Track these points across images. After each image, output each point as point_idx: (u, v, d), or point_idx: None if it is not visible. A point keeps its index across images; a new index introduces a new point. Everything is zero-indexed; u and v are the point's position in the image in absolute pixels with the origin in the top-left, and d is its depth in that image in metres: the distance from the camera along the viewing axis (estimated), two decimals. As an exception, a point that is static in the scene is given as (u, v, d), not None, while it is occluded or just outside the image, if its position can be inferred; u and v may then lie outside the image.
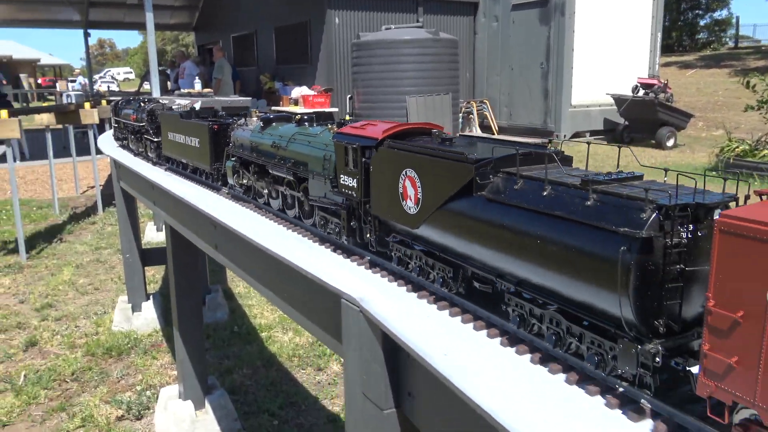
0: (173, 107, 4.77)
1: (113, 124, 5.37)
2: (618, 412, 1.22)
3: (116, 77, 54.76)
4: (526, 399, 1.27)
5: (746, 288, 0.95)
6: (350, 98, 17.20)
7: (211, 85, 16.02)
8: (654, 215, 1.18)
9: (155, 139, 3.98)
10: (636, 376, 1.22)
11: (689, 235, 1.19)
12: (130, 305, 6.02)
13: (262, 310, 6.16)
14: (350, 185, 2.11)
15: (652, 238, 1.16)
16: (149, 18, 13.53)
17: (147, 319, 6.06)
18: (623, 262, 1.17)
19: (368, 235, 2.12)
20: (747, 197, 1.14)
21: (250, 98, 12.90)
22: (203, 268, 6.43)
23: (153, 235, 8.72)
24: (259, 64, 20.47)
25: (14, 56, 44.10)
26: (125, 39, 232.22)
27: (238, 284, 7.56)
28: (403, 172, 1.86)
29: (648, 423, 1.17)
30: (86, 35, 23.36)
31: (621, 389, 1.28)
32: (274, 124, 2.78)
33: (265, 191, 2.73)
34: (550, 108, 16.13)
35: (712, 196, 1.24)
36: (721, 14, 34.88)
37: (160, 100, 4.93)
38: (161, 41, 76.44)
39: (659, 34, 17.56)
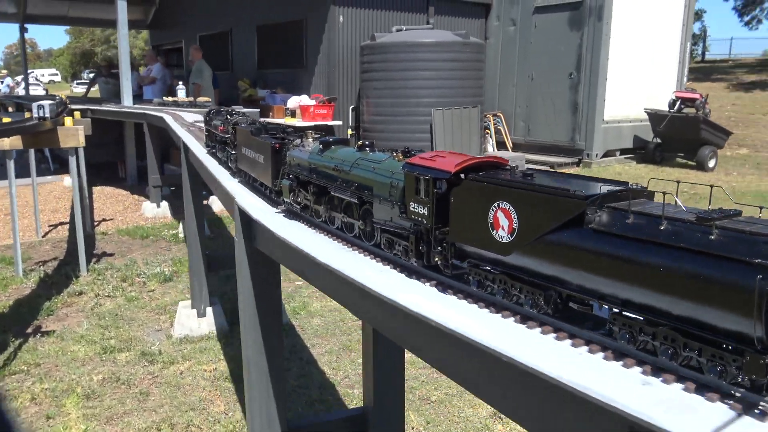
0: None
1: (205, 133, 5.54)
2: (739, 414, 1.48)
3: (40, 79, 51.45)
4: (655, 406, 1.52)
5: None
6: (353, 109, 14.96)
7: (190, 92, 13.53)
8: None
9: (234, 152, 4.29)
10: (764, 383, 1.48)
11: None
12: None
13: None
14: (421, 212, 2.38)
15: None
16: (122, 8, 10.95)
17: None
18: (760, 289, 1.44)
19: (436, 259, 2.36)
20: None
21: (257, 110, 10.64)
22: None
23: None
24: (234, 68, 17.99)
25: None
26: (48, 39, 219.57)
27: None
28: (495, 204, 2.11)
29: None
30: (23, 30, 20.23)
31: (738, 394, 1.53)
32: (332, 147, 2.99)
33: (324, 212, 2.97)
34: (579, 123, 14.50)
35: None
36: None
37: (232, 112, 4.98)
38: (90, 42, 71.55)
39: (689, 44, 16.16)
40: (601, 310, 1.89)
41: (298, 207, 3.24)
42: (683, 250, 1.63)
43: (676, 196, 1.85)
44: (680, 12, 16.71)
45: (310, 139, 3.24)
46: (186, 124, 7.91)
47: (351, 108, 15.14)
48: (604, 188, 1.93)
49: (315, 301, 7.50)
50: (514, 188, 2.05)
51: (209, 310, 6.76)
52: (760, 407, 1.49)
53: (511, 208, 2.05)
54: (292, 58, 15.99)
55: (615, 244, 1.79)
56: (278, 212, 3.46)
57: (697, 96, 15.21)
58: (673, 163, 16.04)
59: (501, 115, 17.09)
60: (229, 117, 4.71)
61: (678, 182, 1.91)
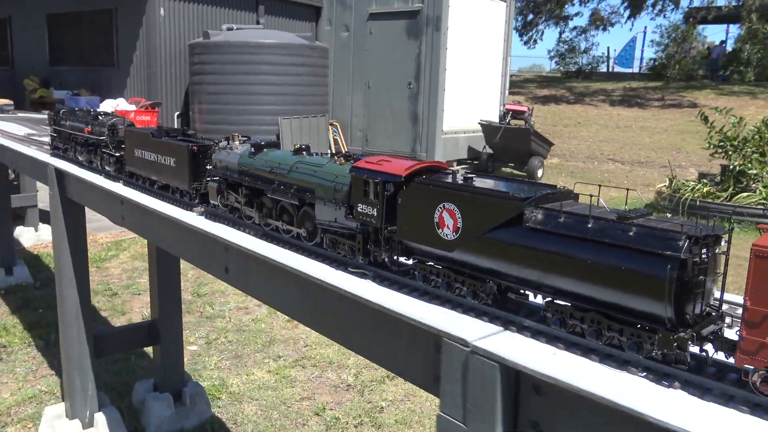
0: None
1: (52, 134, 5.23)
2: (653, 385, 1.82)
3: None
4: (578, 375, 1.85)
5: (773, 292, 1.80)
6: (180, 116, 13.39)
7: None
8: (687, 242, 1.81)
9: (117, 154, 4.26)
10: (673, 356, 1.84)
11: (707, 256, 1.87)
12: None
13: None
14: (369, 213, 2.52)
15: (687, 259, 1.80)
16: None
17: None
18: (669, 276, 1.79)
19: (383, 256, 2.57)
20: (731, 230, 1.91)
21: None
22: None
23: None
24: (15, 63, 15.16)
25: None
26: None
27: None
28: (441, 205, 2.34)
29: (681, 392, 1.77)
30: None
31: (651, 367, 1.93)
32: (265, 150, 3.08)
33: (256, 213, 3.03)
34: (420, 134, 14.39)
35: (718, 229, 1.90)
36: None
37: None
38: None
39: (509, 58, 17.02)
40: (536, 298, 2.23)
41: (226, 209, 3.25)
42: (607, 245, 1.96)
43: (600, 199, 2.14)
44: (502, 27, 17.61)
45: (237, 142, 3.27)
46: (20, 138, 6.01)
47: (176, 114, 13.50)
48: (540, 191, 2.21)
49: (231, 375, 5.87)
50: (460, 191, 2.31)
51: (99, 416, 4.67)
52: (669, 377, 1.82)
53: (455, 208, 2.30)
54: (99, 54, 13.90)
55: (549, 240, 2.08)
56: (199, 215, 3.40)
57: (524, 109, 16.11)
58: (504, 173, 16.76)
59: (337, 125, 16.49)
60: (101, 117, 4.67)
61: (600, 186, 2.13)
